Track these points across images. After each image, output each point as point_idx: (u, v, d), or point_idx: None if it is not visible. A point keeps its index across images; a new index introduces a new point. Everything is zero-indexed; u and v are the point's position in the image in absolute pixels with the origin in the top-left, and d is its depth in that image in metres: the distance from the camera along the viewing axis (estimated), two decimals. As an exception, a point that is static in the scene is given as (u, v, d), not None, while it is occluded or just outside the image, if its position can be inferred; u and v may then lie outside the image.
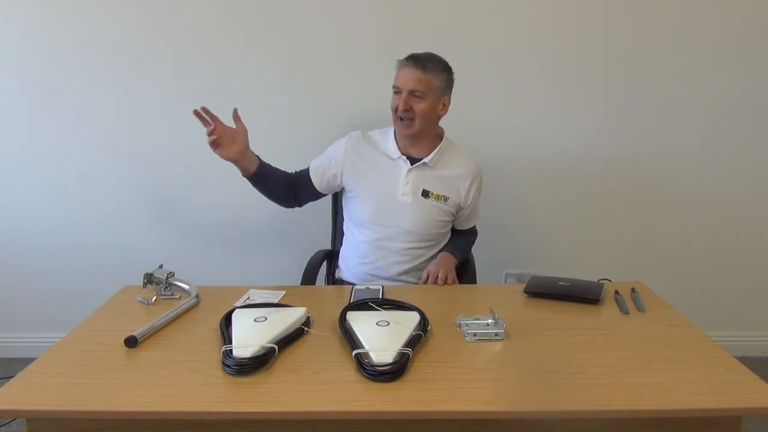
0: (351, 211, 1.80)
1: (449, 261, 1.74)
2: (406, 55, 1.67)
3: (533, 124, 2.28)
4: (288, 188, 1.79)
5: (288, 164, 2.28)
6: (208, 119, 1.56)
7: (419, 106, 1.64)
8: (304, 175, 1.81)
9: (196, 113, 1.55)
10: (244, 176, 1.70)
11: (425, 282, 1.67)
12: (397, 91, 1.67)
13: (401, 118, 1.67)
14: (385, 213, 1.73)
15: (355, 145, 1.77)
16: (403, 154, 1.73)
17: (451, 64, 1.70)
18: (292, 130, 2.27)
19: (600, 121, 2.28)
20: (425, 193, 1.72)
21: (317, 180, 1.79)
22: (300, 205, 1.85)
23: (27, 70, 2.20)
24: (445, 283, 1.62)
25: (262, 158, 1.71)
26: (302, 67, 2.21)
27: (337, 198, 2.02)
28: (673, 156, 2.31)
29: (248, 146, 1.64)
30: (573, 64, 2.22)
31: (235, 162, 1.63)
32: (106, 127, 2.26)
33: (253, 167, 1.67)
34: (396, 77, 1.68)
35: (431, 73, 1.63)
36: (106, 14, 2.15)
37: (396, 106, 1.66)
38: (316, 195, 1.83)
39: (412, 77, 1.63)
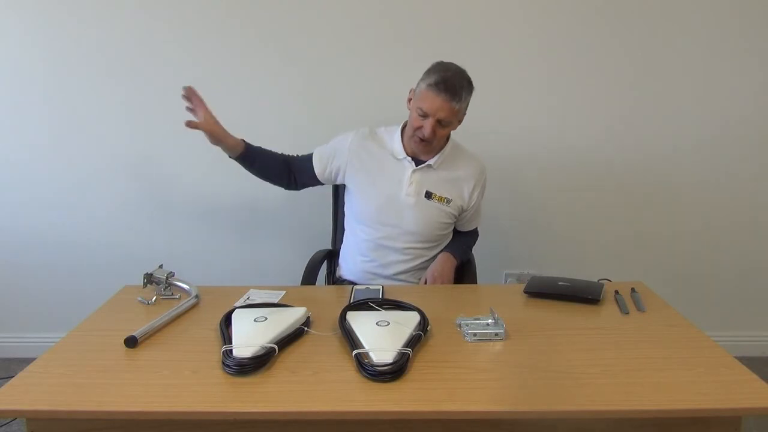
0: (353, 207, 1.79)
1: (449, 264, 1.74)
2: (435, 78, 1.57)
3: (534, 125, 2.28)
4: (283, 169, 1.81)
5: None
6: (193, 103, 1.66)
7: (442, 132, 1.64)
8: (305, 159, 1.81)
9: (184, 97, 1.63)
10: (231, 158, 1.73)
11: (425, 284, 1.70)
12: (422, 114, 1.60)
13: (420, 139, 1.64)
14: (387, 212, 1.73)
15: (362, 141, 1.76)
16: (408, 155, 1.73)
17: (453, 63, 1.65)
18: (296, 129, 2.27)
19: (601, 122, 2.28)
20: (428, 195, 1.72)
21: (320, 168, 1.80)
22: (297, 188, 1.86)
23: (27, 70, 2.20)
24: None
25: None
26: (307, 66, 2.21)
27: (338, 197, 2.02)
28: (674, 156, 2.31)
29: (222, 127, 1.68)
30: (574, 66, 2.22)
31: (212, 135, 1.65)
32: (107, 127, 2.26)
33: (238, 148, 1.70)
34: (423, 99, 1.59)
35: (462, 102, 1.60)
36: (109, 13, 2.15)
37: (419, 126, 1.62)
38: (315, 181, 1.84)
39: (444, 108, 1.58)
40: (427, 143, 1.66)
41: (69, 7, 2.14)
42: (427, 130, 1.61)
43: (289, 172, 1.81)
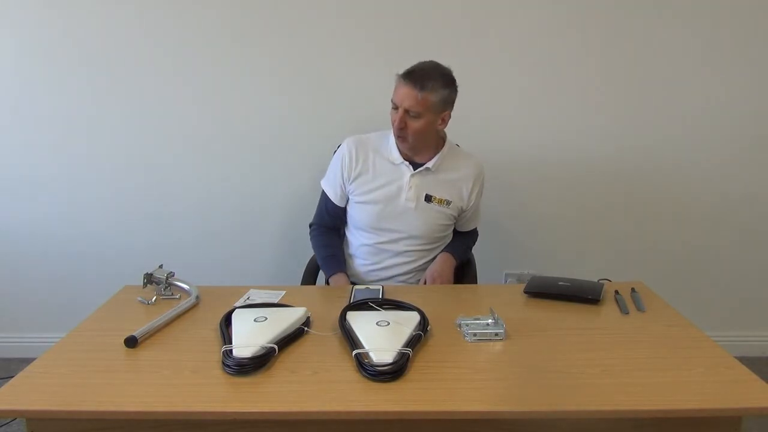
0: (353, 216, 1.78)
1: (448, 264, 1.75)
2: (405, 69, 1.60)
3: (533, 124, 2.28)
4: (340, 231, 1.87)
5: (287, 164, 2.28)
6: None
7: (414, 125, 1.60)
8: (325, 200, 1.80)
9: None
10: None
11: (425, 284, 1.70)
12: (394, 107, 1.62)
13: (398, 134, 1.64)
14: (388, 218, 1.72)
15: (355, 151, 1.74)
16: (405, 159, 1.71)
17: (447, 63, 1.64)
18: (295, 128, 2.26)
19: (600, 121, 2.28)
20: (428, 198, 1.71)
21: (335, 197, 1.78)
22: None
23: (27, 70, 2.20)
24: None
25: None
26: (302, 68, 2.21)
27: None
28: (673, 155, 2.31)
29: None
30: (573, 64, 2.22)
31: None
32: (107, 128, 2.26)
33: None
34: (394, 91, 1.62)
35: (429, 91, 1.56)
36: (110, 12, 2.15)
37: (393, 119, 1.63)
38: (344, 207, 1.81)
39: (409, 96, 1.57)
40: (402, 139, 1.64)
41: (69, 6, 2.14)
42: (396, 121, 1.61)
43: (339, 226, 1.85)
